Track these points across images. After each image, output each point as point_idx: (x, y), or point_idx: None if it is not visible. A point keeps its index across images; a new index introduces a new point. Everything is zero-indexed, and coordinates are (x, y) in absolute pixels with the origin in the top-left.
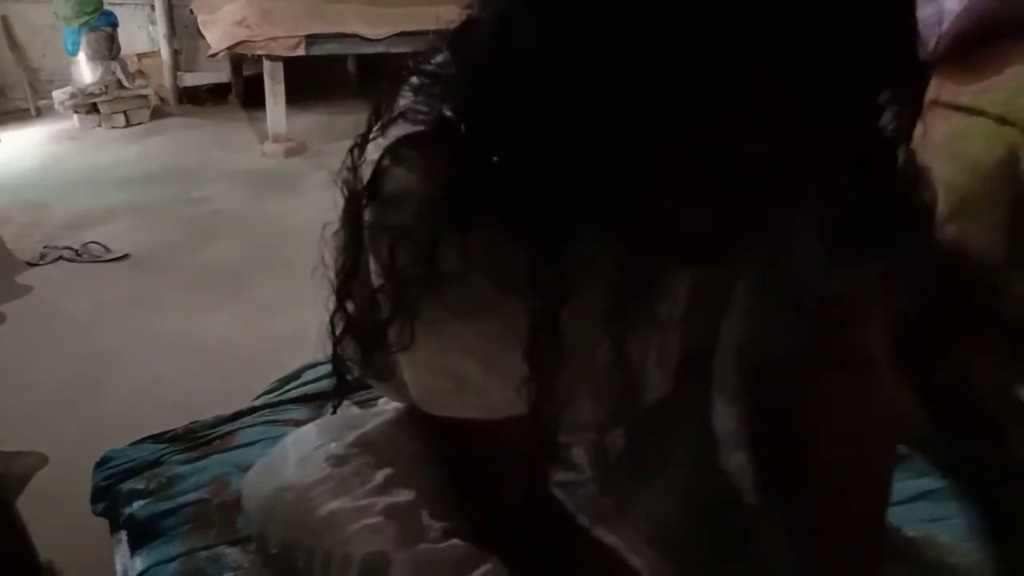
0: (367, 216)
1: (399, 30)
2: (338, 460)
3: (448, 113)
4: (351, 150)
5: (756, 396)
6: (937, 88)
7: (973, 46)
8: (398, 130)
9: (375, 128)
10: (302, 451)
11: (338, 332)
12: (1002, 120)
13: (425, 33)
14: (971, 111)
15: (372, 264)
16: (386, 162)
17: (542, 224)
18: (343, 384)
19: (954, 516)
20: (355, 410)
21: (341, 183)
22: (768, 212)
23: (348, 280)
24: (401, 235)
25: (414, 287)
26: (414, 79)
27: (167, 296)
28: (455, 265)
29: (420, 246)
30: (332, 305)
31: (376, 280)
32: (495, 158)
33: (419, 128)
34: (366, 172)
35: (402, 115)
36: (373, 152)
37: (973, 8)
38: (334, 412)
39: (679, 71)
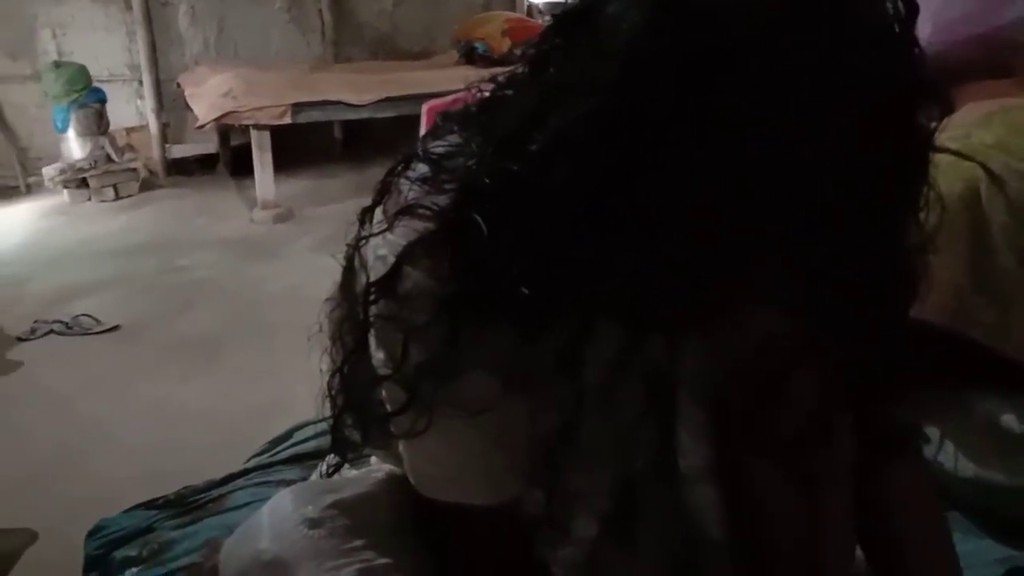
0: (377, 310)
1: (383, 96)
2: (314, 523)
3: (458, 207)
4: (360, 231)
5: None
6: None
7: None
8: (406, 227)
9: (380, 218)
10: (278, 516)
11: (338, 406)
12: (959, 155)
13: (407, 98)
14: None
15: (379, 354)
16: (400, 263)
17: (552, 316)
18: (342, 453)
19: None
20: (347, 469)
21: (344, 260)
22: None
23: (350, 362)
24: (416, 332)
25: (428, 382)
26: (420, 165)
27: (153, 364)
28: (468, 363)
29: (436, 344)
30: (332, 379)
31: (383, 370)
32: (513, 256)
33: (429, 226)
34: (376, 266)
35: (409, 210)
36: (382, 247)
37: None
38: (331, 475)
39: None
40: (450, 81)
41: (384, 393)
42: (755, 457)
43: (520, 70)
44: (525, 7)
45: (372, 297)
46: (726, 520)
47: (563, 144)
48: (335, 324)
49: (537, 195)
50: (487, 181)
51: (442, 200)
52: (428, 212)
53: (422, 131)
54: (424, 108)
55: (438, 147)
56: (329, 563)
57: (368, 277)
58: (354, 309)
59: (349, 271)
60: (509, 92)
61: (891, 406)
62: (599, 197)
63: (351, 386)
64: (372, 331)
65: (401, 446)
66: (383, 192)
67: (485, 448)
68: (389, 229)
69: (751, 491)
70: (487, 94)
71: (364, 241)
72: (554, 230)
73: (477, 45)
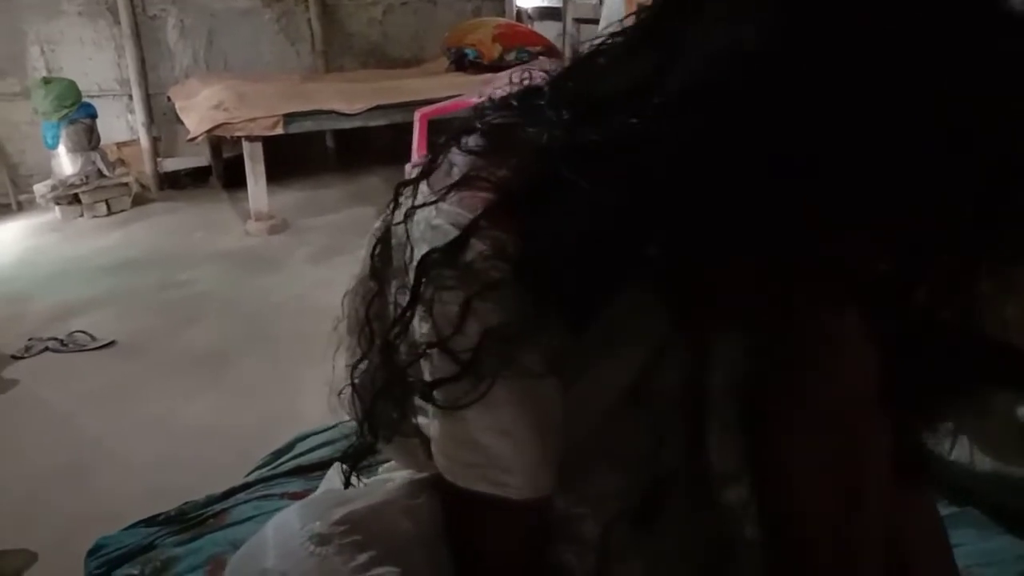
0: (434, 278)
1: (374, 104)
2: (322, 539)
3: (536, 174)
4: (395, 203)
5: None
6: None
7: None
8: (463, 197)
9: (427, 191)
10: (285, 533)
11: (376, 387)
12: None
13: (399, 106)
14: None
15: (426, 325)
16: (467, 233)
17: (599, 292)
18: (371, 441)
19: (968, 543)
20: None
21: (375, 238)
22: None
23: (388, 338)
24: (479, 300)
25: (488, 351)
26: (473, 138)
27: (152, 380)
28: (525, 335)
29: (498, 313)
30: (354, 368)
31: (431, 339)
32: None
33: (490, 197)
34: (430, 236)
35: (467, 181)
36: (436, 218)
37: None
38: (351, 472)
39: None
40: (441, 88)
41: (431, 364)
42: (792, 454)
43: (616, 40)
44: (515, 12)
45: (428, 267)
46: (759, 518)
47: (702, 89)
48: (362, 310)
49: (662, 149)
50: (594, 138)
51: (502, 172)
52: (488, 183)
53: (415, 138)
54: (417, 115)
55: (496, 119)
56: None
57: (413, 250)
58: (384, 289)
59: (383, 250)
60: (601, 60)
61: (915, 432)
62: (738, 146)
63: (390, 364)
64: (422, 302)
65: (435, 431)
66: (428, 168)
67: (525, 431)
68: (442, 200)
69: (788, 490)
70: (549, 74)
71: (409, 215)
72: (673, 187)
73: (468, 52)
